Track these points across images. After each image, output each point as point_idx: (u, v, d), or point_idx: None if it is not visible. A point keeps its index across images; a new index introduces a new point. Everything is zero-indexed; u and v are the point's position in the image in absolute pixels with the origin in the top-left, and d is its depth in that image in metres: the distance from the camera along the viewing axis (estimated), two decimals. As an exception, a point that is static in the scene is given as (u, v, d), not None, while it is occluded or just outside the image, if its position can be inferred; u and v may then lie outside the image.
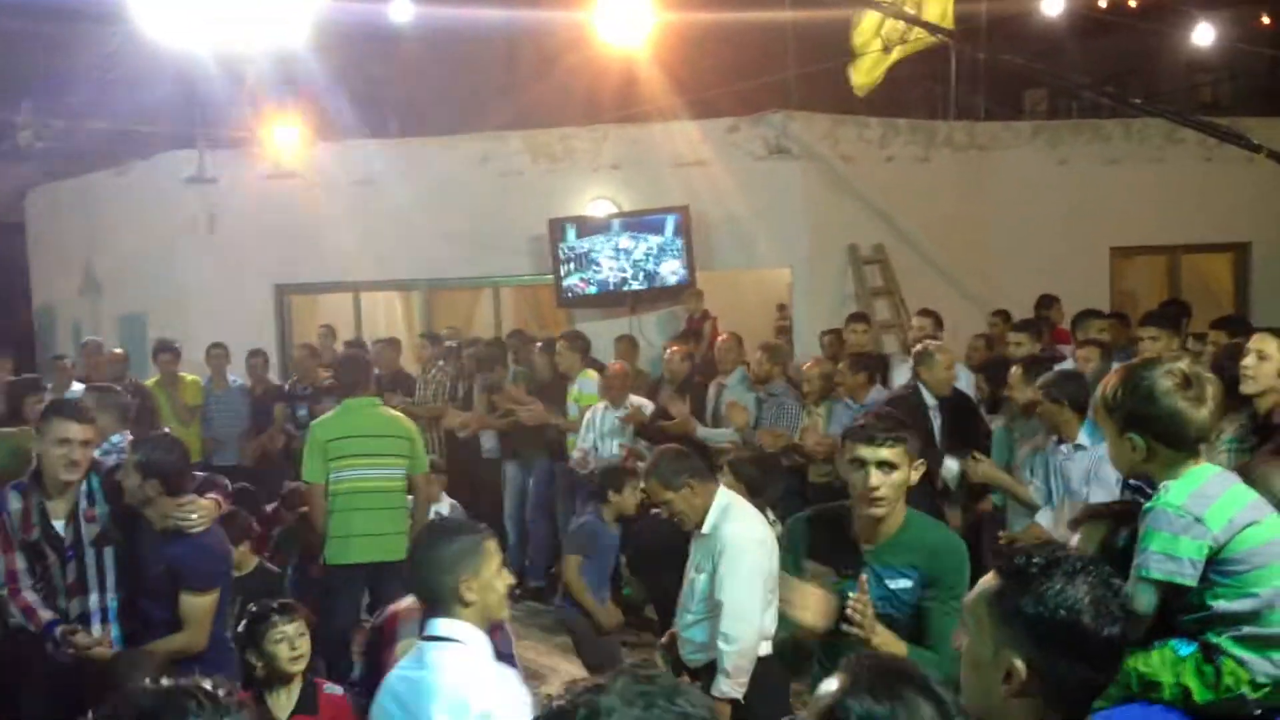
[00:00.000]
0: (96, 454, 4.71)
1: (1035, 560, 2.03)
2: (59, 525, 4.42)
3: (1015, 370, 6.27)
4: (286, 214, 11.60)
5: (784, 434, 7.35)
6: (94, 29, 13.74)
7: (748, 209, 11.21)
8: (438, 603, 2.96)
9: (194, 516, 4.22)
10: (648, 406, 8.04)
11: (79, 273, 13.38)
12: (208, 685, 1.70)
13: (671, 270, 11.10)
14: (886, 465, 3.26)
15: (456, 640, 2.91)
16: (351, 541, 6.08)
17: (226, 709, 1.67)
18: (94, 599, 4.41)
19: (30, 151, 14.53)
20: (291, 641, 4.11)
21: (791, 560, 3.54)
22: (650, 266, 11.11)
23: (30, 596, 4.39)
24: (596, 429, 8.03)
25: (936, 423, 6.70)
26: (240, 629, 4.23)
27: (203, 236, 11.89)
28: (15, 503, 4.43)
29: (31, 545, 4.41)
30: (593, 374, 8.50)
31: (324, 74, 12.27)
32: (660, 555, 5.69)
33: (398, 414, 6.56)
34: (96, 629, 4.39)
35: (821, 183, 11.43)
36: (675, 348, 8.97)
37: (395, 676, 2.96)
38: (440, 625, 2.94)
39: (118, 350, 10.75)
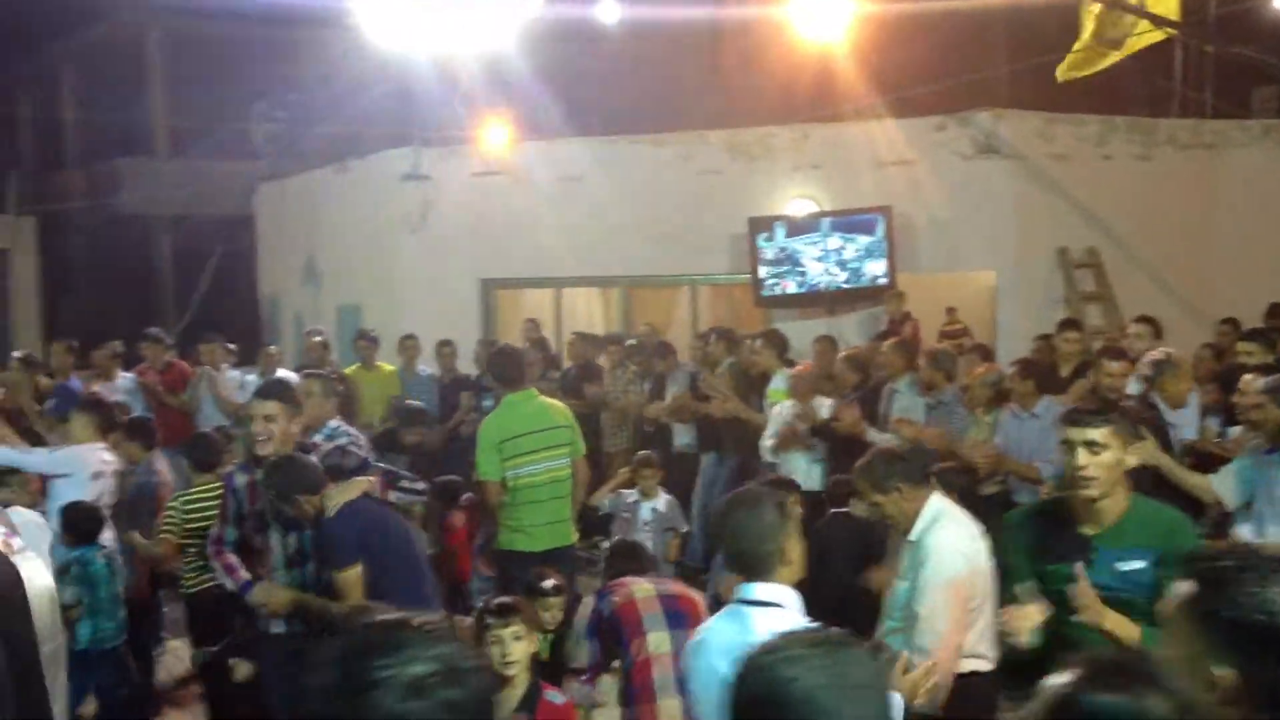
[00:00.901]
0: (318, 438, 5.13)
1: (1228, 563, 1.94)
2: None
3: (1248, 379, 5.90)
4: (494, 210, 11.98)
5: (944, 435, 7.05)
6: (320, 36, 14.53)
7: (952, 210, 10.96)
8: (758, 569, 3.00)
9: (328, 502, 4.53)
10: (825, 407, 7.96)
11: (301, 264, 14.15)
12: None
13: (875, 271, 10.96)
14: (1094, 445, 3.30)
15: (777, 604, 2.96)
16: (527, 531, 6.23)
17: (441, 637, 1.73)
18: (310, 568, 4.72)
19: (261, 150, 15.47)
20: (505, 645, 4.02)
21: (1014, 557, 3.55)
22: (857, 267, 11.01)
23: (232, 557, 4.93)
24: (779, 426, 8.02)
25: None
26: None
27: (415, 231, 12.38)
28: (241, 478, 4.96)
29: (258, 515, 4.83)
30: (788, 373, 8.48)
31: (532, 74, 12.64)
32: (843, 556, 5.64)
33: (555, 403, 6.66)
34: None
35: (1031, 183, 11.06)
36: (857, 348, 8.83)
37: (718, 640, 2.96)
38: (758, 590, 2.99)
39: (318, 339, 11.21)
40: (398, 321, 11.55)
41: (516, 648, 4.04)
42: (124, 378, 9.59)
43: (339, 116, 14.46)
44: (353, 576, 4.48)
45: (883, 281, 10.93)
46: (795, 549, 3.05)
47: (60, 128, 20.95)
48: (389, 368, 10.33)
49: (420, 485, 6.48)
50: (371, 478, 4.85)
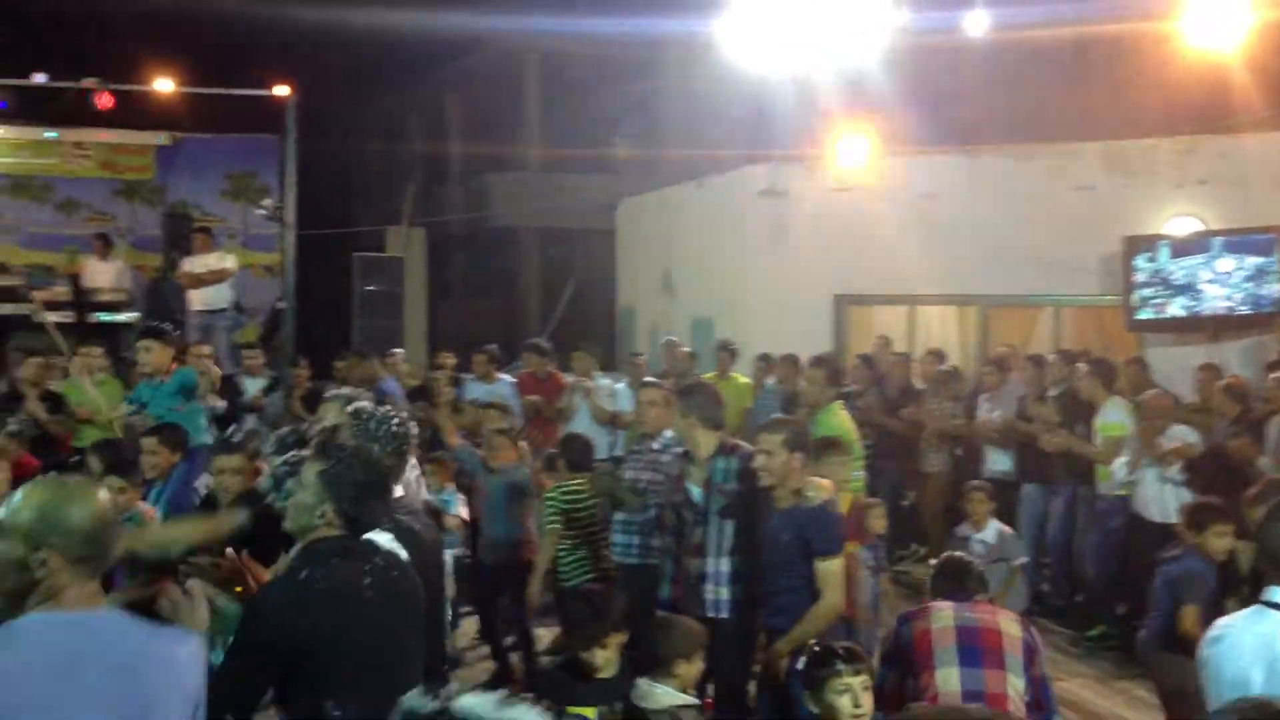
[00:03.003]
0: (654, 445, 5.89)
1: None
2: (696, 492, 5.09)
3: None
4: (849, 226, 11.92)
5: None
6: (681, 55, 15.03)
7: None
8: None
9: (810, 492, 4.75)
10: (1192, 438, 7.33)
11: (658, 277, 14.67)
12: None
13: (1269, 296, 10.01)
14: None
15: None
16: None
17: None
18: (711, 562, 4.96)
19: (622, 166, 16.19)
20: (856, 696, 3.81)
21: None
22: (1250, 290, 10.10)
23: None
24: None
25: None
26: (799, 667, 4.17)
27: (770, 246, 12.53)
28: (675, 469, 5.49)
29: (675, 504, 5.24)
30: (1121, 402, 7.93)
31: (892, 87, 12.48)
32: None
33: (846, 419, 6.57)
34: (710, 590, 4.95)
35: None
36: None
37: (1246, 640, 2.84)
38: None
39: (686, 349, 11.59)
40: (749, 335, 11.72)
41: (867, 699, 3.87)
42: (502, 380, 10.26)
43: (697, 133, 14.88)
44: (838, 565, 4.69)
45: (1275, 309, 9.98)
46: None
47: (445, 146, 22.84)
48: (743, 379, 10.51)
49: None
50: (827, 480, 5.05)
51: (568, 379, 9.89)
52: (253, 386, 10.09)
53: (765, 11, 11.78)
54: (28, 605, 2.44)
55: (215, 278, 12.20)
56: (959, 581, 4.61)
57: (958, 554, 5.09)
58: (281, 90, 14.07)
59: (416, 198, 17.60)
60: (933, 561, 5.11)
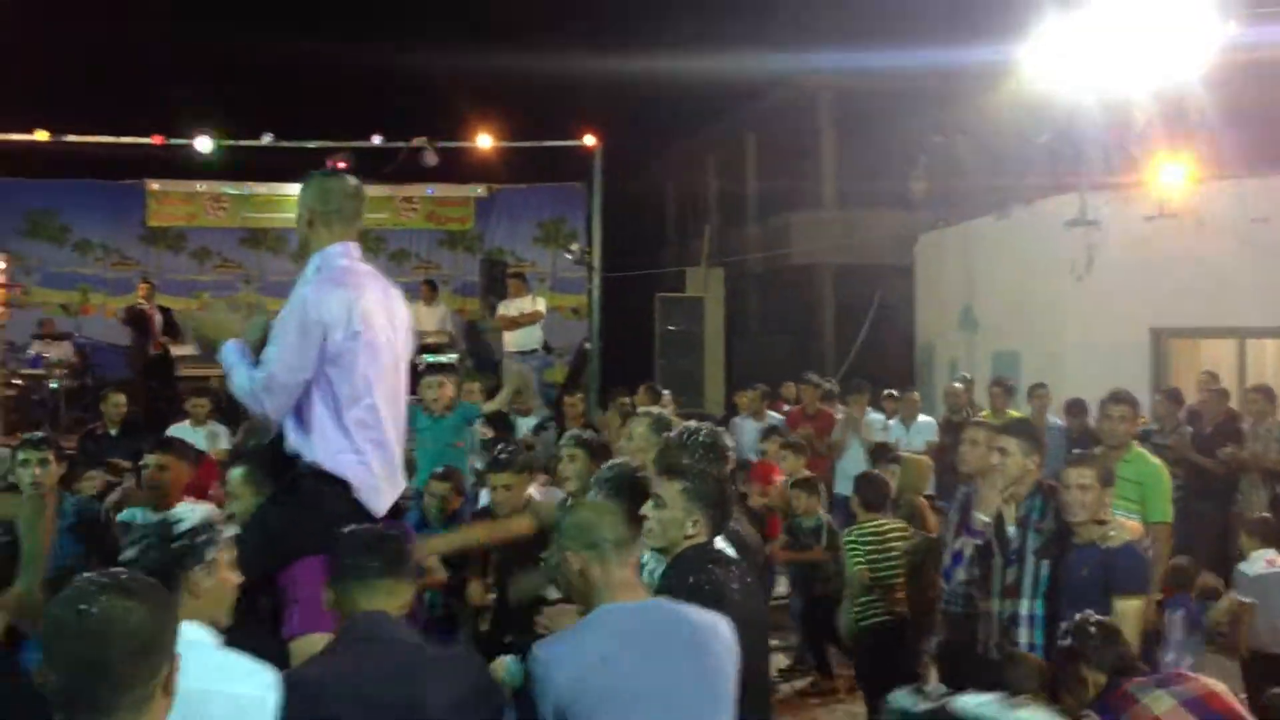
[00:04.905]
0: None
1: None
2: (1011, 530, 4.83)
3: None
4: (1167, 255, 11.27)
5: None
6: (980, 84, 14.65)
7: None
8: None
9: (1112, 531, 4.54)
10: None
11: (958, 312, 14.31)
12: None
13: None
14: None
15: None
16: None
17: None
18: (1025, 604, 4.72)
19: (921, 201, 15.93)
20: None
21: None
22: None
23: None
24: None
25: None
26: None
27: (1080, 279, 11.97)
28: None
29: (984, 543, 4.92)
30: None
31: (1215, 109, 11.67)
32: None
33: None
34: (1023, 634, 4.71)
35: None
36: None
37: None
38: None
39: (958, 384, 11.15)
40: (1057, 370, 11.25)
41: None
42: (771, 417, 10.35)
43: (998, 164, 14.44)
44: (1139, 606, 4.48)
45: None
46: None
47: (742, 186, 23.25)
48: (1016, 415, 10.12)
49: None
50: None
51: (839, 414, 9.89)
52: (524, 426, 10.40)
53: (1075, 33, 11.36)
54: (595, 600, 2.94)
55: (528, 320, 12.93)
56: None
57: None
58: (589, 140, 14.82)
59: (714, 238, 17.99)
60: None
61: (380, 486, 3.80)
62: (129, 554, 2.87)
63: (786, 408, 11.29)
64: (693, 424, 4.21)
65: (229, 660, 2.71)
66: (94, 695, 1.93)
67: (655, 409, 6.11)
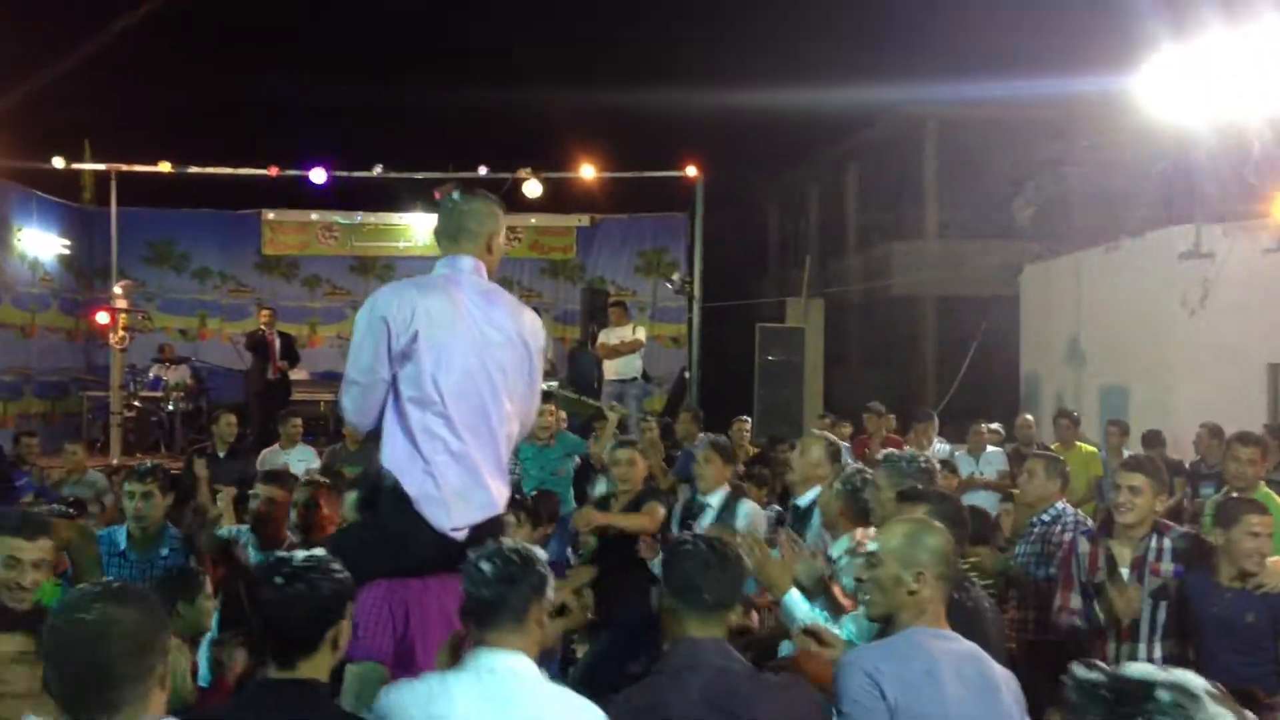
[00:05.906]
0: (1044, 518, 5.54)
1: None
2: (1124, 571, 4.67)
3: None
4: (1286, 289, 10.90)
5: None
6: (1088, 113, 14.40)
7: None
8: None
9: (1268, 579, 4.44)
10: None
11: (1064, 344, 14.02)
12: None
13: None
14: None
15: None
16: None
17: None
18: (1142, 648, 4.59)
19: (1028, 230, 15.66)
20: None
21: None
22: None
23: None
24: None
25: None
26: None
27: (1192, 312, 11.65)
28: (1085, 546, 4.85)
29: (1095, 586, 4.71)
30: None
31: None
32: None
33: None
34: None
35: None
36: None
37: None
38: None
39: (1029, 417, 10.99)
40: (1168, 405, 10.96)
41: None
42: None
43: (1107, 195, 14.15)
44: None
45: None
46: None
47: (842, 216, 23.14)
48: (1088, 448, 9.97)
49: None
50: None
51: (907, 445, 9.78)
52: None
53: (1190, 61, 11.10)
54: (900, 621, 3.03)
55: (628, 348, 13.01)
56: None
57: None
58: (691, 171, 14.92)
59: (815, 268, 17.93)
60: None
61: (448, 501, 3.52)
62: (491, 576, 2.87)
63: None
64: (908, 451, 4.64)
65: (562, 696, 2.84)
66: (98, 693, 2.18)
67: (829, 434, 6.18)
